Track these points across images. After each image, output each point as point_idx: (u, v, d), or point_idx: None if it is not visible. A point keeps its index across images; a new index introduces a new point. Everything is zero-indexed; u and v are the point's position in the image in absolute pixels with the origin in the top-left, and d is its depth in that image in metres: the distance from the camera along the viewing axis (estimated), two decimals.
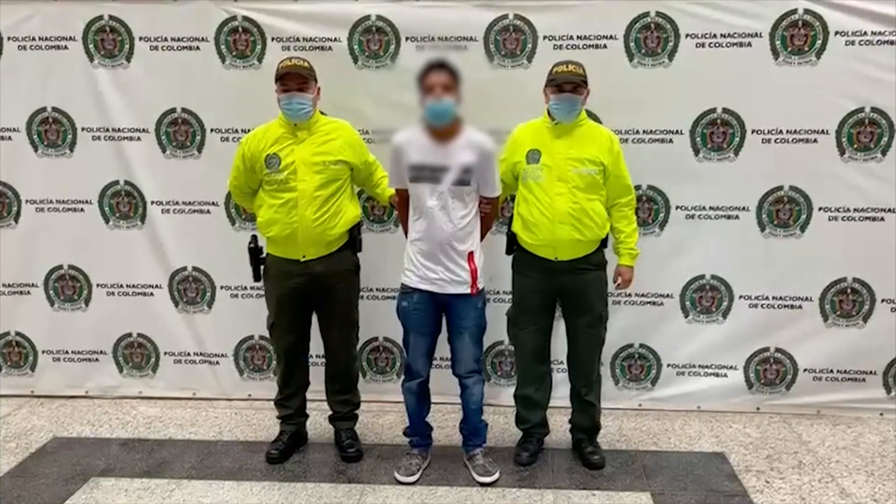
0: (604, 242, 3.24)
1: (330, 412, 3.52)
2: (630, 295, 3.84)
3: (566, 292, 3.24)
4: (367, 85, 3.70)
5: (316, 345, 3.44)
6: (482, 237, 3.17)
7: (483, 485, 3.16)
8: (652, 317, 3.87)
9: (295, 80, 3.09)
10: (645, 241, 3.74)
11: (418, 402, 3.27)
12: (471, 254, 3.05)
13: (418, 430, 3.34)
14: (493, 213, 3.24)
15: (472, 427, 3.29)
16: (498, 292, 3.77)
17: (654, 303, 3.86)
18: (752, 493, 3.11)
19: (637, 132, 3.69)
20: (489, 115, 3.64)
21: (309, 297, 3.30)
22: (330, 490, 3.14)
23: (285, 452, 3.42)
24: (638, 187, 3.71)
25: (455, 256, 3.03)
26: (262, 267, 3.35)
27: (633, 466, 3.34)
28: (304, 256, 3.21)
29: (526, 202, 3.16)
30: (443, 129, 2.97)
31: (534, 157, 3.12)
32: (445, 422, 3.69)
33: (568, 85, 3.05)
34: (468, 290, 3.06)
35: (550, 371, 3.44)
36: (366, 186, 3.47)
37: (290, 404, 3.46)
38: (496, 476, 3.20)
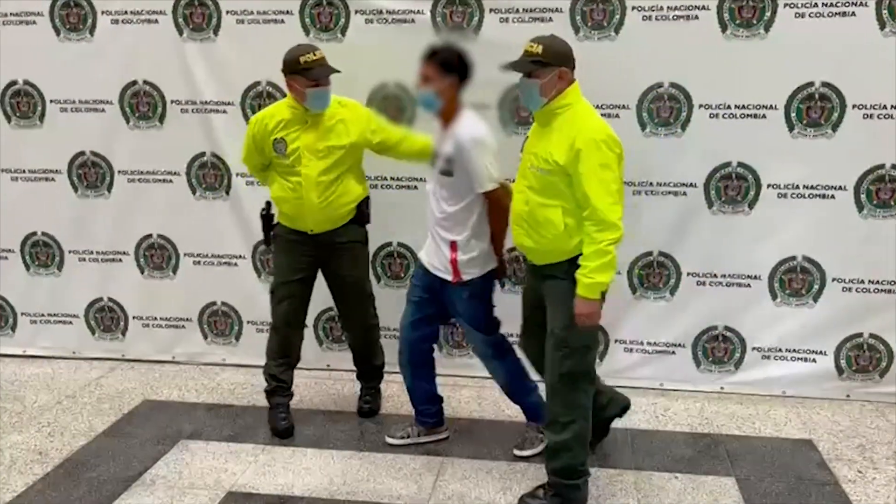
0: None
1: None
2: (715, 275, 3.73)
3: (542, 301, 2.82)
4: None
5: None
6: (496, 234, 3.01)
7: (517, 457, 3.18)
8: (738, 298, 3.74)
9: (325, 73, 3.15)
10: (733, 221, 3.65)
11: (408, 374, 3.28)
12: (453, 243, 2.97)
13: (414, 404, 3.35)
14: (495, 209, 2.95)
15: (518, 403, 3.28)
16: None
17: (740, 284, 3.73)
18: (843, 483, 3.00)
19: (728, 107, 3.55)
20: None
21: (313, 270, 3.39)
22: (409, 461, 3.19)
23: (293, 427, 3.44)
24: (728, 164, 3.60)
25: (440, 241, 3.01)
26: (272, 233, 3.45)
27: (717, 450, 3.27)
28: (312, 230, 3.30)
29: None
30: (441, 114, 2.95)
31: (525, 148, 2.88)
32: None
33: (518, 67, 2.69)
34: (449, 278, 3.01)
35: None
36: (392, 154, 3.41)
37: (280, 377, 3.45)
38: (527, 452, 3.19)
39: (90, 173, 4.05)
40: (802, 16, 3.41)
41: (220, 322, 4.18)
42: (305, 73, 3.12)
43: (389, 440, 3.32)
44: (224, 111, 3.90)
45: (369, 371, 3.65)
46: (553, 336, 2.73)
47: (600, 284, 2.56)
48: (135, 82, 3.92)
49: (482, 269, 3.01)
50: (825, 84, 3.46)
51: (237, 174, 3.96)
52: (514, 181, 2.87)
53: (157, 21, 3.83)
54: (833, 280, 3.66)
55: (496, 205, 2.95)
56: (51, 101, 3.98)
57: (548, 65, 2.61)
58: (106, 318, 4.24)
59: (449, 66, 2.89)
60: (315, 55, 3.15)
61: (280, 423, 3.42)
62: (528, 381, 3.20)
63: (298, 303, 3.43)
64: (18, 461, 3.19)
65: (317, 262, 3.39)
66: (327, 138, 3.22)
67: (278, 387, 3.47)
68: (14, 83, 3.99)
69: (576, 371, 2.71)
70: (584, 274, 2.57)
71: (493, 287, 3.13)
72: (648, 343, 3.85)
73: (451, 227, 2.97)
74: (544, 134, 2.68)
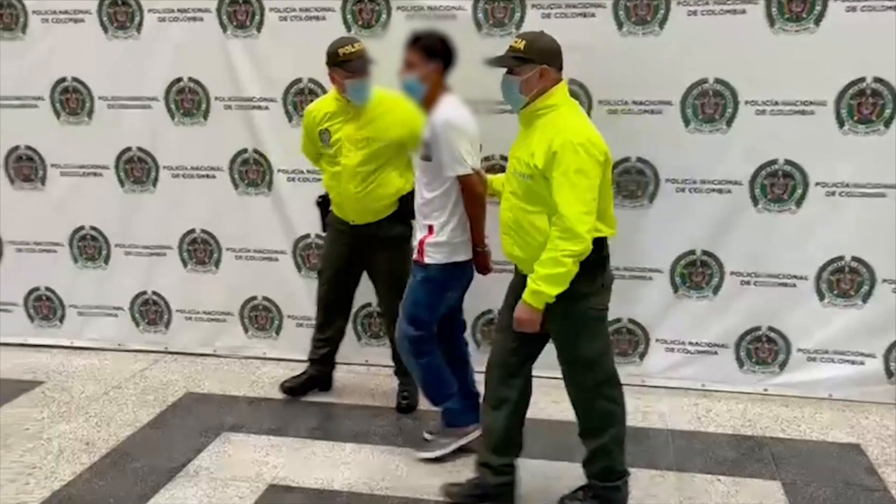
0: (582, 266, 2.46)
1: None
2: (760, 275, 3.66)
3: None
4: (491, 53, 3.62)
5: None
6: (472, 222, 2.96)
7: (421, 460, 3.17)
8: (783, 299, 3.67)
9: (365, 64, 3.21)
10: (779, 219, 3.59)
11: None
12: (430, 227, 2.98)
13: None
14: (468, 195, 2.91)
15: (434, 405, 3.24)
16: None
17: (785, 284, 3.66)
18: (893, 489, 2.93)
19: (775, 103, 3.48)
20: (618, 87, 3.57)
21: (355, 260, 3.48)
22: (449, 457, 3.18)
23: (301, 388, 3.74)
24: (774, 162, 3.53)
25: (421, 227, 3.04)
26: (325, 220, 3.60)
27: (761, 453, 3.22)
28: (353, 221, 3.41)
29: None
30: (425, 99, 2.95)
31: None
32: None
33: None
34: (416, 256, 3.03)
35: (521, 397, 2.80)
36: None
37: (318, 351, 3.72)
38: (428, 454, 3.17)
39: (136, 168, 4.13)
40: (854, 9, 3.32)
41: (260, 316, 4.22)
42: (344, 65, 3.20)
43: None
44: (266, 108, 3.94)
45: (403, 365, 3.65)
46: (564, 356, 2.65)
47: (545, 296, 2.43)
48: (180, 79, 3.98)
49: (446, 257, 2.98)
50: (877, 79, 3.37)
51: (279, 170, 4.00)
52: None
53: (202, 19, 3.87)
54: (883, 281, 3.56)
55: (469, 191, 2.91)
56: (99, 98, 4.06)
57: (529, 61, 2.48)
58: (150, 311, 4.32)
59: (432, 51, 2.91)
60: (354, 47, 3.22)
61: (285, 382, 3.76)
62: (446, 387, 3.16)
63: (338, 288, 3.59)
64: (66, 450, 3.26)
65: (358, 253, 3.46)
66: (367, 129, 3.28)
67: (311, 359, 3.76)
68: (63, 80, 4.08)
69: (597, 380, 2.65)
70: (532, 279, 2.46)
71: (454, 288, 3.07)
72: (690, 343, 3.80)
73: (430, 213, 2.98)
74: (526, 136, 2.55)
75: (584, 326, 2.59)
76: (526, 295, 2.47)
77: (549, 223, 2.46)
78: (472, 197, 2.92)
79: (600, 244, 2.53)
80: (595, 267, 2.52)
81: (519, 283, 2.66)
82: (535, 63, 2.48)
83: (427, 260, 2.99)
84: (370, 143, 3.27)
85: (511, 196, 2.59)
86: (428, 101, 2.95)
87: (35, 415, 3.59)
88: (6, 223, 4.31)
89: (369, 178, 3.30)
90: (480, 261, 3.06)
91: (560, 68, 2.55)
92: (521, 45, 2.52)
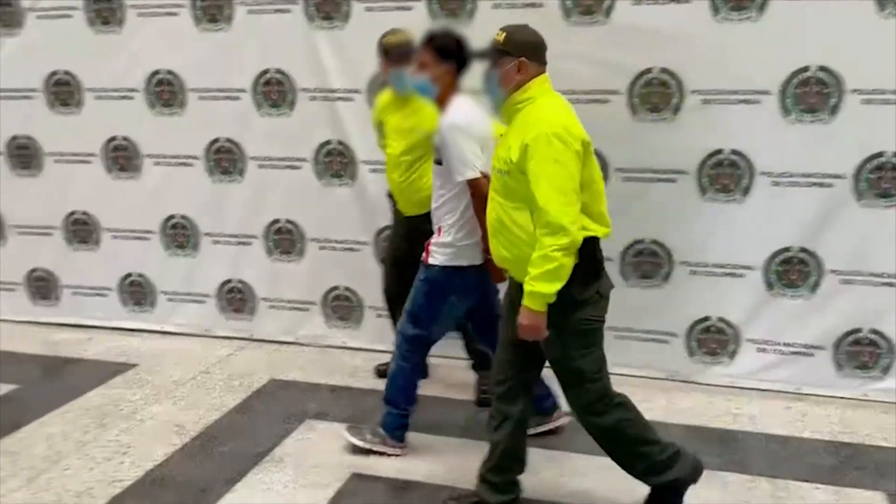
0: (572, 272, 2.35)
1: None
2: (862, 274, 3.47)
3: None
4: (578, 43, 3.56)
5: None
6: (483, 228, 2.80)
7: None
8: (887, 299, 3.47)
9: (406, 53, 3.20)
10: (886, 215, 3.40)
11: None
12: (440, 229, 2.95)
13: None
14: (477, 200, 2.79)
15: (385, 401, 3.17)
16: None
17: (891, 284, 3.45)
18: None
19: (883, 92, 3.29)
20: (713, 76, 3.44)
21: (408, 252, 3.43)
22: (530, 454, 3.12)
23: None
24: (881, 154, 3.35)
25: (435, 229, 2.99)
26: None
27: (862, 461, 3.06)
28: (404, 212, 3.47)
29: None
30: (438, 101, 2.90)
31: None
32: (641, 394, 3.56)
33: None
34: (423, 256, 3.00)
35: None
36: None
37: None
38: (349, 436, 3.16)
39: (224, 159, 4.22)
40: None
41: (342, 306, 4.26)
42: (387, 53, 3.29)
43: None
44: (351, 99, 3.96)
45: (479, 359, 3.62)
46: (554, 369, 2.53)
47: (543, 296, 2.31)
48: (266, 71, 4.04)
49: (449, 260, 2.92)
50: None
51: (362, 161, 4.02)
52: None
53: (289, 10, 3.92)
54: None
55: (478, 195, 2.78)
56: (190, 90, 4.17)
57: (508, 54, 2.41)
58: (235, 299, 4.42)
59: (446, 52, 2.84)
60: (396, 36, 3.29)
61: (379, 366, 3.86)
62: (407, 400, 3.13)
63: (399, 279, 3.56)
64: (159, 431, 3.37)
65: (410, 245, 3.41)
66: (412, 119, 3.31)
67: None
68: (157, 73, 4.20)
69: (590, 400, 2.51)
70: (526, 281, 2.34)
71: (456, 294, 2.98)
72: (785, 344, 3.64)
73: (442, 217, 2.94)
74: (507, 132, 2.47)
75: (573, 339, 2.45)
76: (525, 300, 2.36)
77: (532, 218, 2.36)
78: (482, 201, 2.78)
79: (592, 246, 2.40)
80: (588, 272, 2.39)
81: (515, 293, 2.52)
82: (512, 56, 2.41)
83: (430, 260, 2.97)
84: (414, 132, 3.30)
85: (494, 195, 2.50)
86: (440, 103, 2.90)
87: (129, 396, 3.73)
88: (103, 211, 4.49)
89: (412, 167, 3.33)
90: (491, 266, 2.87)
91: (542, 62, 2.46)
92: (501, 37, 2.45)
